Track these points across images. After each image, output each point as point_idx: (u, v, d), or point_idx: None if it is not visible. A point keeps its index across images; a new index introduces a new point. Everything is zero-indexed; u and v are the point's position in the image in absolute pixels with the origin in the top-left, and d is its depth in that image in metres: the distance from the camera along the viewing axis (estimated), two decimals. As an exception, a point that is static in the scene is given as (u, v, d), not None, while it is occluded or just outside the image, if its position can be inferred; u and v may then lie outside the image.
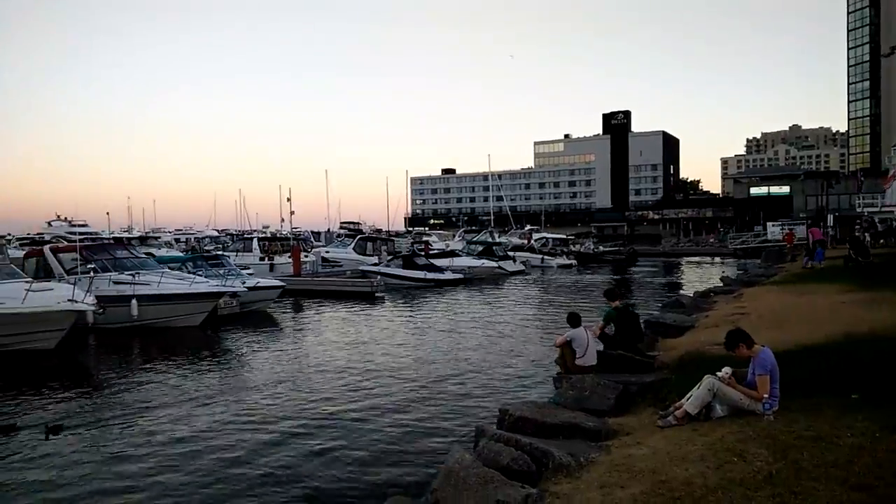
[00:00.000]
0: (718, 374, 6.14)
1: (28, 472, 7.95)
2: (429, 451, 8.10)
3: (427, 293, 28.89)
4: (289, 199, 45.17)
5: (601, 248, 62.89)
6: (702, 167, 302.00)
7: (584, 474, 5.03)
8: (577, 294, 28.86)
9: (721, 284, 24.67)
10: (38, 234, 54.36)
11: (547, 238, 59.53)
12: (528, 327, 18.85)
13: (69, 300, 15.01)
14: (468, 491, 4.92)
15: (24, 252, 22.88)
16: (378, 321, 20.65)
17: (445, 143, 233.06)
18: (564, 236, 64.86)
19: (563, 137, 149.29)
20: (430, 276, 32.55)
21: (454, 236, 63.11)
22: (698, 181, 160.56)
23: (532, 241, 55.08)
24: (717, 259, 56.76)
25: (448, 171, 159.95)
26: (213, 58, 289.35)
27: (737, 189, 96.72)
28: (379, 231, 61.38)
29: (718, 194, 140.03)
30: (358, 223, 71.53)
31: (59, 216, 62.54)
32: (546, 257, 48.18)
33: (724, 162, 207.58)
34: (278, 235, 44.18)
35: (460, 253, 42.04)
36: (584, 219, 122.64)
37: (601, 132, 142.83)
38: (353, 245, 41.88)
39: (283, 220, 53.48)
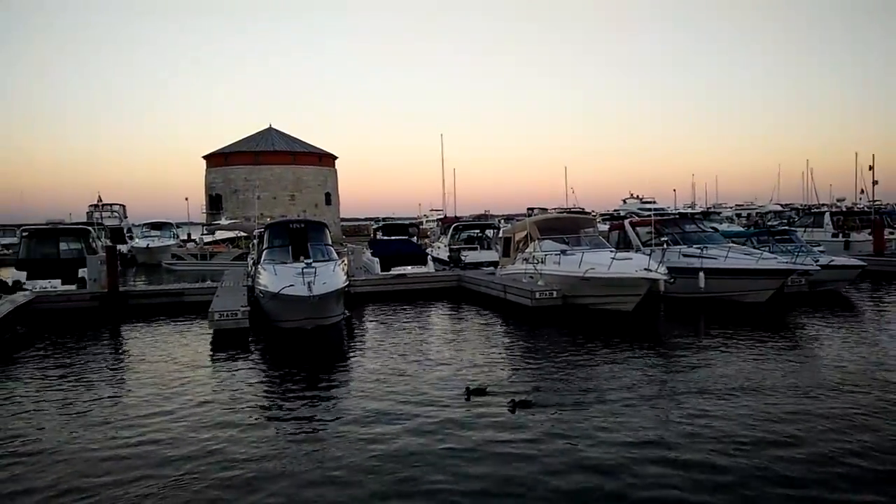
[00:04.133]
0: None
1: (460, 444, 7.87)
2: None
3: None
4: (871, 168, 39.13)
5: None
6: None
7: None
8: None
9: None
10: (615, 210, 62.77)
11: None
12: None
13: (645, 269, 16.70)
14: None
15: (607, 226, 26.75)
16: None
17: None
18: None
19: None
20: None
21: None
22: None
23: None
24: None
25: None
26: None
27: None
28: None
29: None
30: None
31: (632, 194, 70.27)
32: None
33: None
34: (855, 209, 39.08)
35: None
36: None
37: None
38: (960, 221, 33.79)
39: (862, 191, 46.89)
